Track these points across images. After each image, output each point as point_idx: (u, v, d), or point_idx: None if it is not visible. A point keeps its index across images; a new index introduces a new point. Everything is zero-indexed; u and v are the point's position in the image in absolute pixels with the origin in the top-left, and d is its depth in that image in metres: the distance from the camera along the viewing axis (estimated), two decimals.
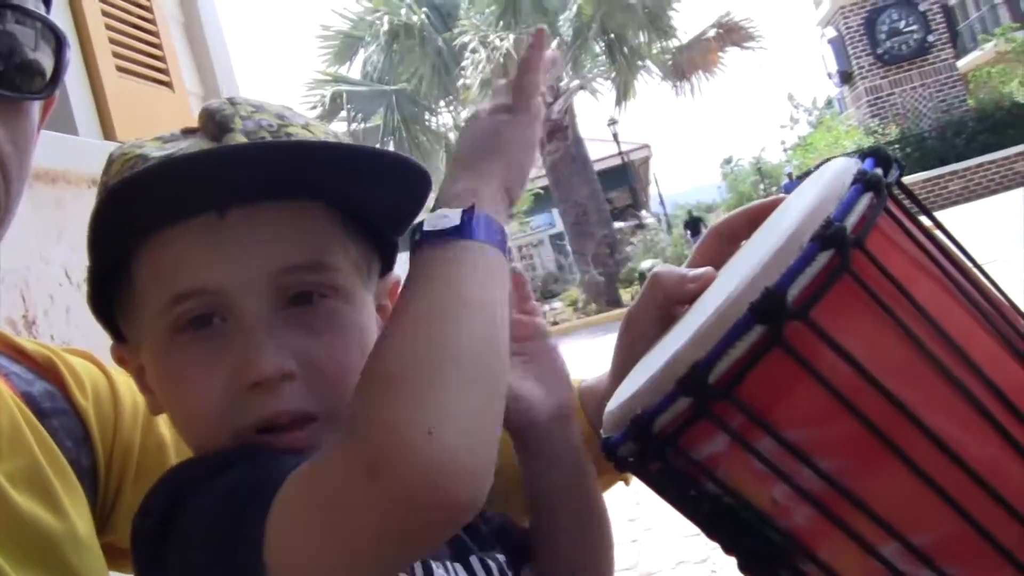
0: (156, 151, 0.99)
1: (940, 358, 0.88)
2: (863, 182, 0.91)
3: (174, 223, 0.97)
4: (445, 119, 23.24)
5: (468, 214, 0.89)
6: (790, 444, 0.89)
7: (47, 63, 1.04)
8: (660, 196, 45.87)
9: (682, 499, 0.98)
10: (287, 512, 0.83)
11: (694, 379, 0.88)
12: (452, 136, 23.11)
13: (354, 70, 23.00)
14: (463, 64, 19.44)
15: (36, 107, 1.06)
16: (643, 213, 31.66)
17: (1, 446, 1.08)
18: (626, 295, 19.72)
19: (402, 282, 1.14)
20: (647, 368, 0.99)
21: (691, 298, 1.10)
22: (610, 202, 27.79)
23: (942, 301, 0.92)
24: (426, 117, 22.62)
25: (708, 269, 1.12)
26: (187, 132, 1.04)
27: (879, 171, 0.95)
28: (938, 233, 0.98)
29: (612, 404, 1.00)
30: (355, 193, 1.01)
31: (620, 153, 34.11)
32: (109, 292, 1.04)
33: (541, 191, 31.63)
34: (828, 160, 1.05)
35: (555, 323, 19.93)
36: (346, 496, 0.79)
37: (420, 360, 0.80)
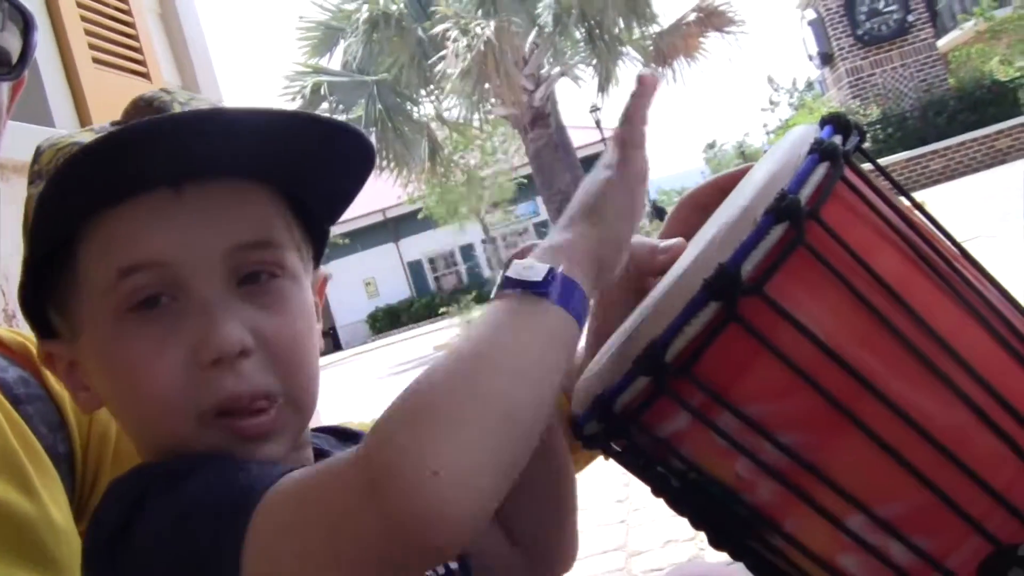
0: (88, 139, 0.95)
1: (901, 329, 0.88)
2: (819, 151, 0.90)
3: (126, 200, 0.94)
4: (427, 109, 23.18)
5: (552, 273, 0.88)
6: (751, 420, 0.89)
7: (14, 44, 1.02)
8: None
9: (649, 475, 0.98)
10: (274, 527, 0.82)
11: (651, 358, 0.88)
12: (434, 126, 23.05)
13: (334, 61, 22.93)
14: (442, 53, 19.37)
15: (4, 89, 1.05)
16: None
17: None
18: None
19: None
20: (612, 345, 1.00)
21: (662, 270, 1.09)
22: None
23: (904, 270, 0.92)
24: (408, 107, 22.53)
25: (679, 240, 1.11)
26: (116, 124, 1.01)
27: (838, 138, 0.94)
28: (903, 200, 0.98)
29: (580, 382, 1.00)
30: (300, 169, 1.00)
31: (603, 140, 34.08)
32: (43, 282, 0.99)
33: (524, 180, 31.62)
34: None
35: None
36: (344, 514, 0.79)
37: (450, 401, 0.79)
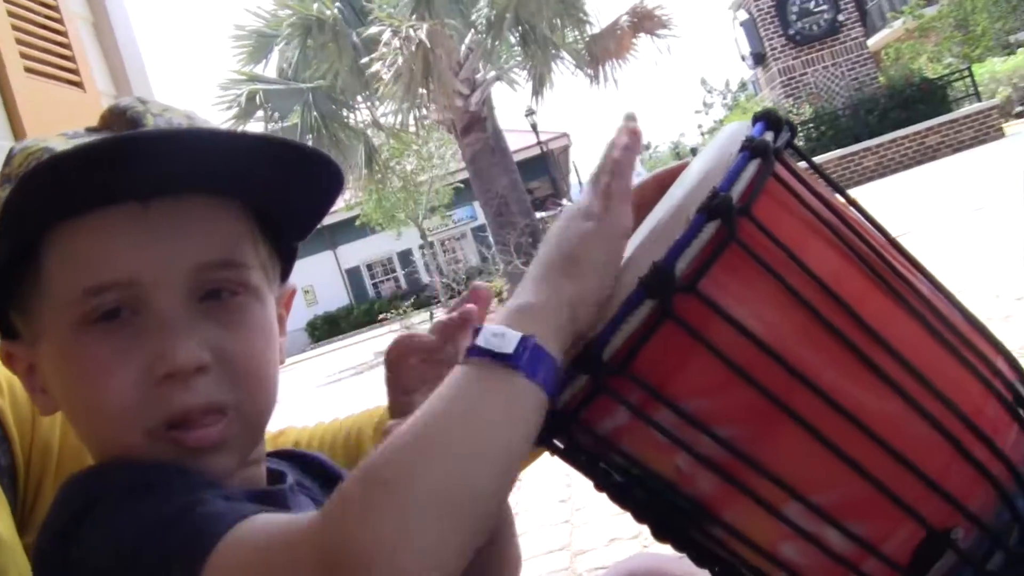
0: (60, 145, 0.96)
1: (833, 322, 0.90)
2: (750, 148, 0.91)
3: (94, 210, 0.94)
4: (363, 115, 23.06)
5: (523, 344, 0.84)
6: (688, 414, 0.90)
7: None
8: (580, 184, 46.11)
9: (592, 471, 0.99)
10: (232, 570, 0.81)
11: (589, 357, 0.89)
12: (370, 132, 22.97)
13: (270, 68, 22.80)
14: (375, 56, 19.28)
15: None
16: (564, 202, 31.64)
17: None
18: None
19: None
20: None
21: None
22: (531, 192, 27.80)
23: (836, 264, 0.93)
24: (344, 114, 22.41)
25: None
26: (92, 130, 1.01)
27: (769, 135, 0.95)
28: (831, 192, 1.00)
29: None
30: (270, 189, 1.00)
31: (539, 143, 34.16)
32: (6, 284, 0.99)
33: (461, 184, 31.62)
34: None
35: None
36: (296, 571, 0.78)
37: (413, 486, 0.77)
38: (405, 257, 44.76)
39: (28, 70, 3.19)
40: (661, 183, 1.16)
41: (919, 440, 0.91)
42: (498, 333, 0.85)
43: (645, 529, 3.46)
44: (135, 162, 0.92)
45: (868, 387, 0.91)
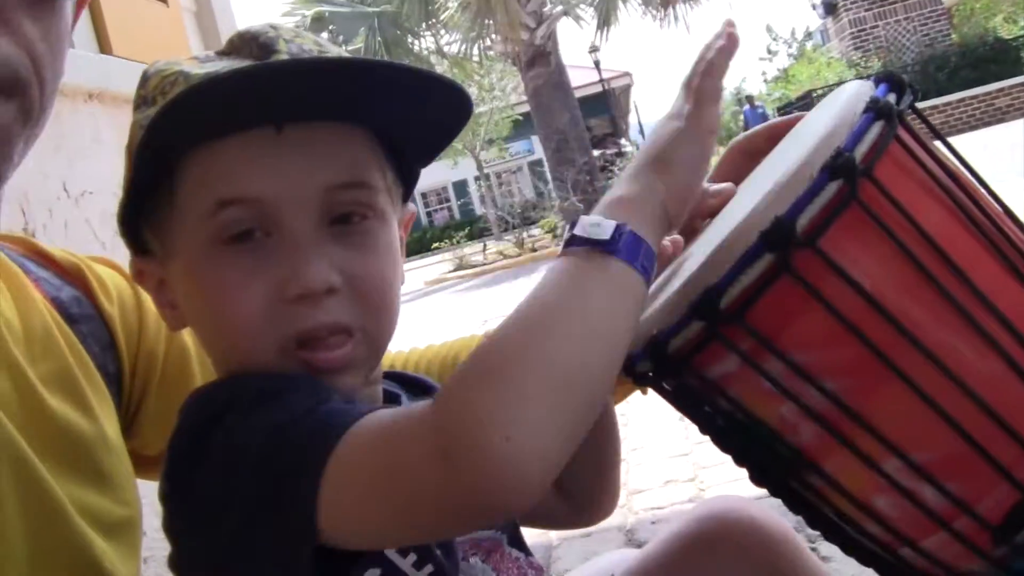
0: (195, 69, 0.99)
1: (945, 285, 0.92)
2: (875, 110, 0.93)
3: (229, 135, 0.97)
4: (428, 42, 23.04)
5: (619, 230, 0.88)
6: (797, 366, 0.93)
7: None
8: (640, 124, 45.87)
9: (697, 414, 1.02)
10: (351, 464, 0.85)
11: (706, 304, 0.92)
12: (433, 60, 22.92)
13: None
14: None
15: (68, 7, 1.07)
16: (623, 141, 31.43)
17: (34, 349, 1.09)
18: None
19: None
20: (665, 287, 1.03)
21: (712, 212, 1.13)
22: (590, 130, 27.68)
23: (950, 227, 0.95)
24: (408, 40, 22.40)
25: (728, 184, 1.15)
26: (221, 55, 1.04)
27: (892, 97, 0.97)
28: (952, 158, 1.01)
29: None
30: (400, 117, 1.02)
31: (601, 80, 33.95)
32: (142, 203, 1.03)
33: (520, 117, 31.49)
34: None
35: (534, 249, 19.93)
36: (413, 468, 0.82)
37: (522, 365, 0.81)
38: (460, 187, 44.78)
39: None
40: (771, 135, 1.18)
41: (1020, 405, 0.93)
42: (595, 223, 0.89)
43: (702, 472, 3.48)
44: (272, 90, 0.95)
45: (974, 349, 0.93)
